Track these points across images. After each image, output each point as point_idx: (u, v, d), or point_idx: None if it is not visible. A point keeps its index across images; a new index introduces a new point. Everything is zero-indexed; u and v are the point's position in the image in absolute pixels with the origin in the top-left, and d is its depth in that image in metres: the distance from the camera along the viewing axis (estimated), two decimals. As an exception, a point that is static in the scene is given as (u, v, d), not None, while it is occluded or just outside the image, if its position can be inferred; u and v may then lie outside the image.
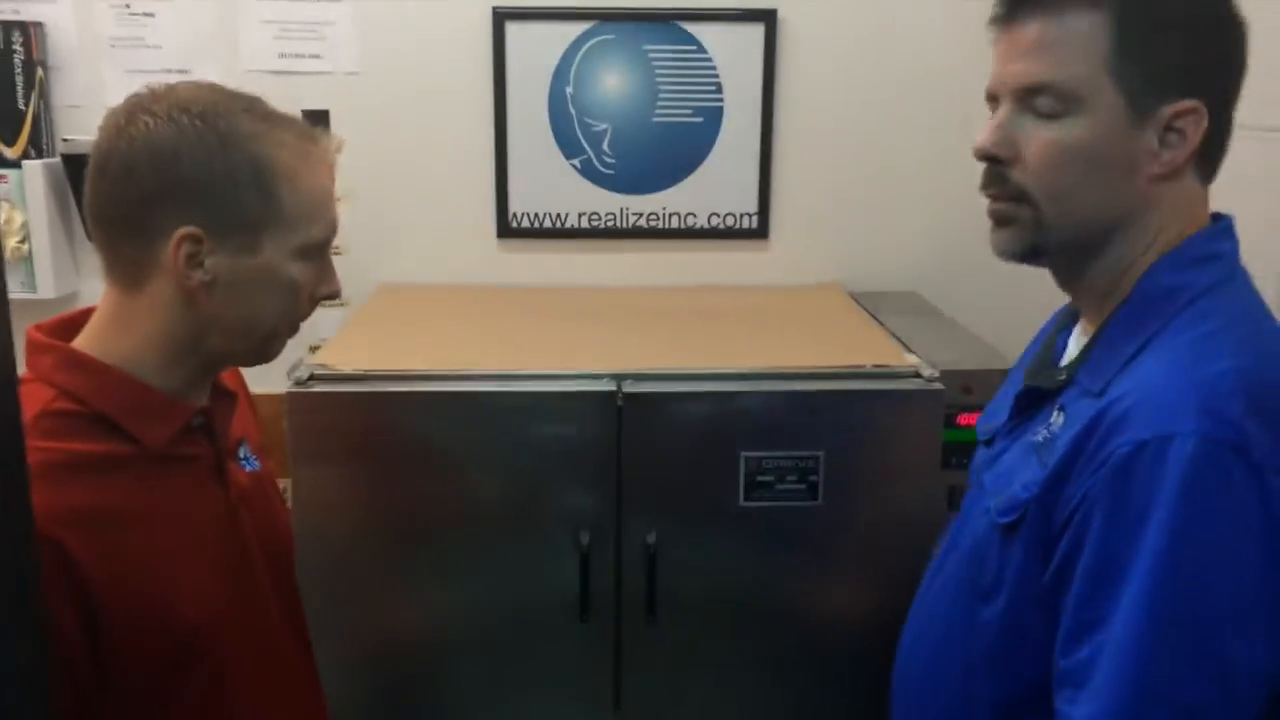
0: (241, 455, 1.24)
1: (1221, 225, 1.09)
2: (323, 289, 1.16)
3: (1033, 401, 1.14)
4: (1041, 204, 1.05)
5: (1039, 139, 1.04)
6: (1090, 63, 1.01)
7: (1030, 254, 1.09)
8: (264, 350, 1.17)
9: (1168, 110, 1.02)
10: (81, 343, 1.11)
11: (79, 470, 1.04)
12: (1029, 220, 1.06)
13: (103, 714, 1.06)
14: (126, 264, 1.09)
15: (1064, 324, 1.22)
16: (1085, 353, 1.08)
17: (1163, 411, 0.95)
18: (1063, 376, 1.09)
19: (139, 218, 1.07)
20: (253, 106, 1.11)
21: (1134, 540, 0.93)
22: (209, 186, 1.06)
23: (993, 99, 1.09)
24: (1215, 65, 1.05)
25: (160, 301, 1.09)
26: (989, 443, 1.23)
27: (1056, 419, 1.06)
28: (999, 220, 1.09)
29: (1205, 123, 1.02)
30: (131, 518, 1.07)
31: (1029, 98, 1.04)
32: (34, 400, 1.04)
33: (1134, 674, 0.93)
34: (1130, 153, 1.03)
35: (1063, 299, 1.21)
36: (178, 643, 1.09)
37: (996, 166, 1.07)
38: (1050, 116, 1.03)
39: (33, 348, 1.10)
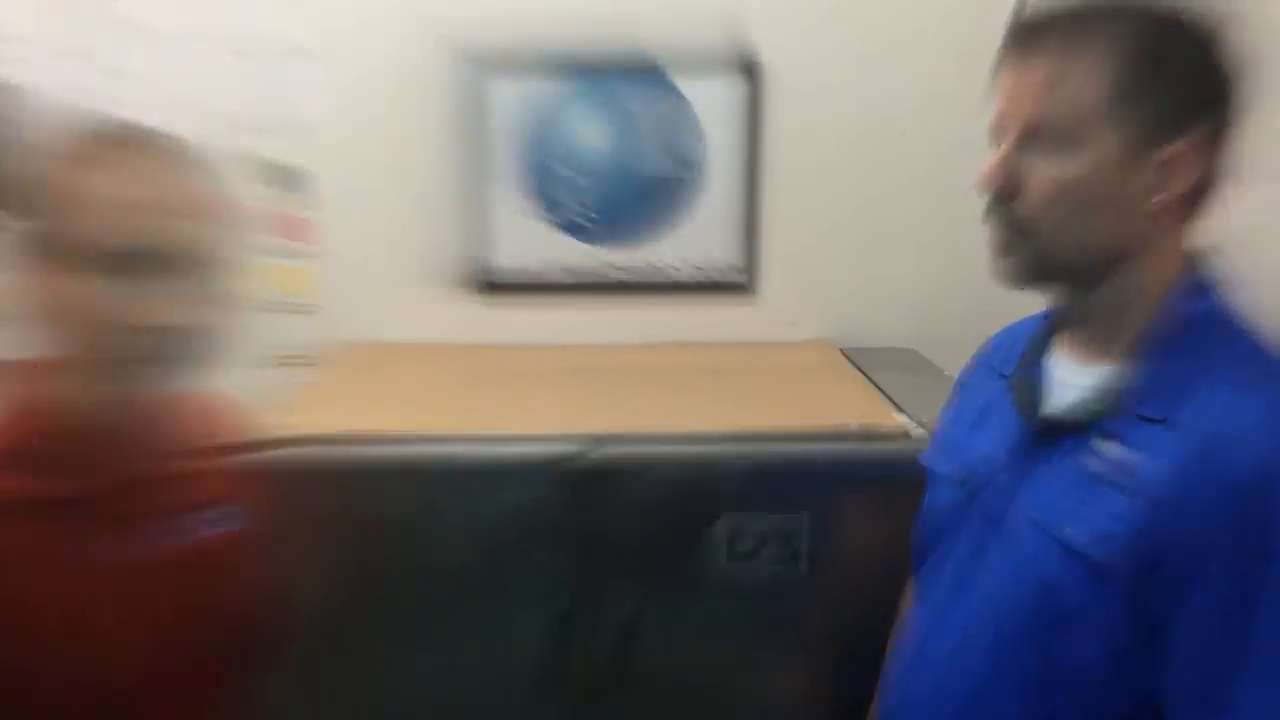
0: (187, 518, 1.23)
1: (1202, 256, 1.13)
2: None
3: (1050, 432, 1.14)
4: (1042, 235, 1.08)
5: (1039, 175, 1.07)
6: (1089, 106, 1.04)
7: (1032, 280, 1.13)
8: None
9: (1163, 153, 1.04)
10: None
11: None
12: (1030, 250, 1.10)
13: None
14: None
15: (1035, 356, 1.22)
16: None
17: (1275, 434, 0.98)
18: (1098, 408, 1.10)
19: None
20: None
21: (1275, 559, 0.97)
22: None
23: (996, 131, 1.11)
24: (1211, 110, 1.06)
25: None
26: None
27: (1110, 447, 1.07)
28: (1002, 250, 1.12)
29: (1199, 165, 1.05)
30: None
31: (1031, 135, 1.07)
32: None
33: None
34: (1126, 191, 1.06)
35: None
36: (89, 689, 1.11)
37: (999, 199, 1.10)
38: (1051, 154, 1.06)
39: None
